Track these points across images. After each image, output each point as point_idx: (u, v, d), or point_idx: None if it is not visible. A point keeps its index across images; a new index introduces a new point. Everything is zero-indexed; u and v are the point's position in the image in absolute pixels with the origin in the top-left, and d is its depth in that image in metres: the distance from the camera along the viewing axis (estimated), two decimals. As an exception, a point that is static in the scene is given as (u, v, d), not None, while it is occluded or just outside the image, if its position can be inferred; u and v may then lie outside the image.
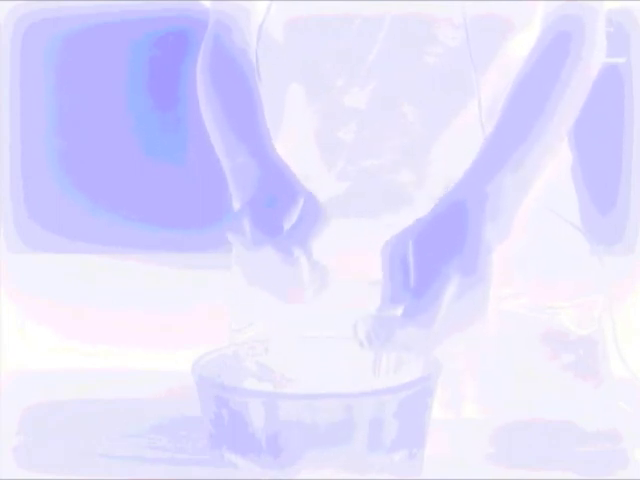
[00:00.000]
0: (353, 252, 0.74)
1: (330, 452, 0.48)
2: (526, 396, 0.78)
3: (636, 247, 1.56)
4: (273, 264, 0.61)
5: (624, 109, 1.64)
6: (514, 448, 0.66)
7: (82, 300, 1.63)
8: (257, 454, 0.49)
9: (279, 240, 0.61)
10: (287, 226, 0.62)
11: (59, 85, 1.74)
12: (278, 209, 0.63)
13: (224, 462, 0.50)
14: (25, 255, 1.69)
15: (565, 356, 0.79)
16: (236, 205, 0.69)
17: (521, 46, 0.76)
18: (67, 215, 1.74)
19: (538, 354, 0.79)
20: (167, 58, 1.71)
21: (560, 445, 0.67)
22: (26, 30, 1.73)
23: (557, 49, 0.74)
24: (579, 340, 0.80)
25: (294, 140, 0.79)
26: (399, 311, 0.57)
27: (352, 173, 0.76)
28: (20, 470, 0.62)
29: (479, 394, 0.79)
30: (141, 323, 1.62)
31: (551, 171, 0.74)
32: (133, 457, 0.65)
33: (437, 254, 0.58)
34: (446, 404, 0.78)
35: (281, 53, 0.80)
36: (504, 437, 0.69)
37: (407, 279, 0.58)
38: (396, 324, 0.57)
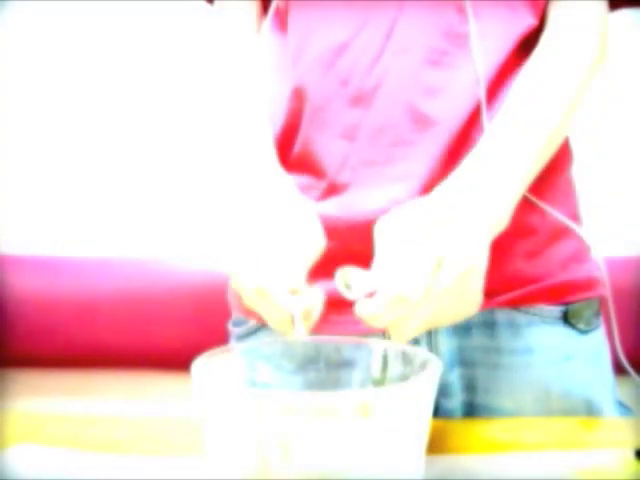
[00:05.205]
0: (353, 249, 0.74)
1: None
2: (527, 396, 0.78)
3: (636, 247, 1.56)
4: (267, 302, 0.62)
5: (624, 108, 1.64)
6: (514, 448, 0.66)
7: (82, 301, 1.62)
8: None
9: (272, 279, 0.61)
10: (282, 262, 0.62)
11: (59, 85, 1.74)
12: (274, 241, 0.64)
13: (224, 462, 0.50)
14: (25, 255, 1.69)
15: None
16: (233, 215, 0.70)
17: (524, 44, 0.76)
18: (67, 215, 1.74)
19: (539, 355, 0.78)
20: (168, 58, 1.71)
21: (560, 445, 0.67)
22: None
23: (560, 47, 0.74)
24: (579, 341, 0.79)
25: (296, 131, 0.79)
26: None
27: (359, 166, 0.75)
28: (20, 469, 0.62)
29: (479, 394, 0.79)
30: (140, 325, 1.62)
31: (552, 171, 0.74)
32: (133, 457, 0.65)
33: (429, 239, 0.58)
34: (446, 404, 0.78)
35: (284, 41, 0.81)
36: (504, 437, 0.69)
37: (399, 250, 0.58)
38: (382, 287, 0.57)
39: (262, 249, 0.63)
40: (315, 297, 0.62)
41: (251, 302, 0.65)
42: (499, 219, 0.65)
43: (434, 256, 0.58)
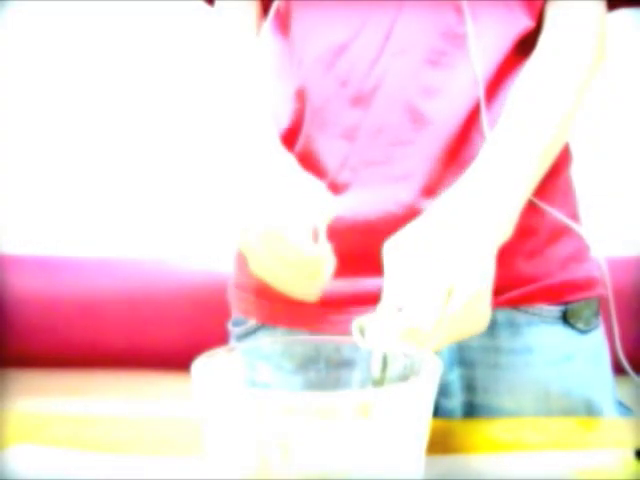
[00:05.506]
0: (354, 248, 0.74)
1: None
2: (526, 396, 0.78)
3: (636, 247, 1.56)
4: (280, 244, 0.61)
5: (624, 108, 1.64)
6: (514, 448, 0.66)
7: (82, 301, 1.62)
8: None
9: (288, 219, 0.61)
10: (298, 206, 0.62)
11: (59, 85, 1.74)
12: (288, 190, 0.63)
13: (224, 462, 0.50)
14: (25, 255, 1.69)
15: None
16: (235, 193, 0.69)
17: (522, 44, 0.76)
18: (67, 215, 1.74)
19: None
20: (168, 58, 1.71)
21: (560, 445, 0.66)
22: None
23: (559, 47, 0.74)
24: (579, 341, 0.79)
25: (299, 132, 0.79)
26: (399, 310, 0.57)
27: (359, 166, 0.75)
28: (20, 469, 0.62)
29: (479, 394, 0.79)
30: (140, 325, 1.62)
31: (551, 171, 0.74)
32: (133, 457, 0.65)
33: (438, 269, 0.58)
34: (446, 404, 0.78)
35: (285, 43, 0.81)
36: (504, 437, 0.69)
37: (409, 279, 0.58)
38: (394, 323, 0.57)
39: (278, 193, 0.63)
40: (329, 251, 0.62)
41: (262, 251, 0.64)
42: (505, 232, 0.65)
43: (444, 286, 0.58)
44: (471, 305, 0.59)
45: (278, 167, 0.68)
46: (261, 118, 0.77)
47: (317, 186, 0.67)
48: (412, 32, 0.74)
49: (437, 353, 0.75)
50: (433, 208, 0.64)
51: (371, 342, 0.58)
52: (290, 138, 0.79)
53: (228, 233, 0.67)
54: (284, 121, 0.79)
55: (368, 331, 0.58)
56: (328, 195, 0.67)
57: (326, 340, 0.60)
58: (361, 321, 0.59)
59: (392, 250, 0.60)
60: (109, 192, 1.76)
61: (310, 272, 0.62)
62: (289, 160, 0.71)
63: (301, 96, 0.78)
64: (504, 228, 0.65)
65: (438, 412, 0.76)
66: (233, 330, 0.86)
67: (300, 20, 0.79)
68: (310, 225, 0.62)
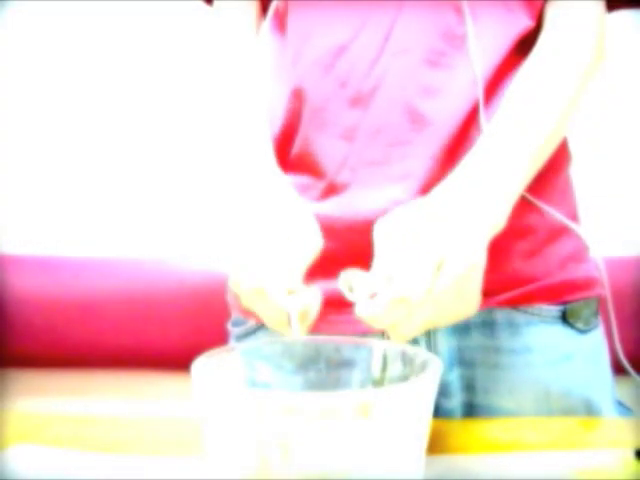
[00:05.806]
0: (352, 249, 0.74)
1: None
2: (526, 396, 0.78)
3: (635, 247, 1.56)
4: (264, 302, 0.62)
5: (624, 108, 1.64)
6: (514, 448, 0.66)
7: (82, 301, 1.62)
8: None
9: (270, 280, 0.61)
10: (280, 262, 0.62)
11: (59, 85, 1.74)
12: (271, 242, 0.64)
13: (224, 462, 0.50)
14: (25, 255, 1.69)
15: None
16: (231, 216, 0.70)
17: (521, 44, 0.76)
18: (67, 215, 1.74)
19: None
20: (167, 58, 1.71)
21: (560, 445, 0.66)
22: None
23: (558, 46, 0.74)
24: (578, 340, 0.79)
25: (295, 132, 0.79)
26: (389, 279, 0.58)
27: (358, 166, 0.75)
28: (20, 469, 0.62)
29: (479, 394, 0.79)
30: (140, 325, 1.62)
31: (550, 171, 0.74)
32: (133, 457, 0.65)
33: (429, 240, 0.59)
34: (445, 404, 0.78)
35: (283, 42, 0.81)
36: (504, 437, 0.69)
37: (399, 252, 0.59)
38: (383, 290, 0.57)
39: (260, 250, 0.63)
40: (312, 297, 0.62)
41: (249, 302, 0.65)
42: (498, 219, 0.65)
43: (435, 257, 0.58)
44: (461, 283, 0.59)
45: (268, 204, 0.69)
46: (257, 129, 0.77)
47: (304, 222, 0.67)
48: (412, 32, 0.74)
49: (436, 352, 0.76)
50: (427, 196, 0.65)
51: (358, 297, 0.58)
52: (286, 138, 0.79)
53: (228, 235, 0.67)
54: (280, 121, 0.79)
55: (357, 290, 0.59)
56: (315, 229, 0.67)
57: (326, 340, 0.60)
58: (348, 277, 0.59)
59: (383, 227, 0.61)
60: (109, 192, 1.76)
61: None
62: (280, 188, 0.71)
63: (298, 96, 0.78)
64: (497, 215, 0.65)
65: (438, 412, 0.76)
66: (233, 330, 0.86)
67: (299, 20, 0.79)
68: (293, 279, 0.62)
